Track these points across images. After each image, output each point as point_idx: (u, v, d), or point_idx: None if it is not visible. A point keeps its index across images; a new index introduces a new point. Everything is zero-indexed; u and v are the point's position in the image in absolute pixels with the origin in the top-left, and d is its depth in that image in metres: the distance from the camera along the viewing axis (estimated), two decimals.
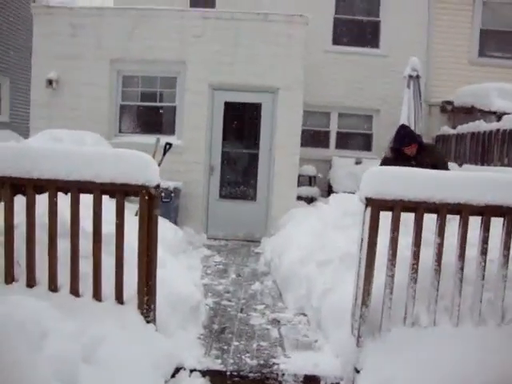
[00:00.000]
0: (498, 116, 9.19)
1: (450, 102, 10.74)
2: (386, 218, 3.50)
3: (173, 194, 7.53)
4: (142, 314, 3.53)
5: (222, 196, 8.33)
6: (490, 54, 11.49)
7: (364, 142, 11.57)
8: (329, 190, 10.94)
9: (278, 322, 4.66)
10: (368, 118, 11.48)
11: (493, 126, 8.81)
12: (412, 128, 7.81)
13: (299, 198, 9.61)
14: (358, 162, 11.08)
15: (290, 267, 5.15)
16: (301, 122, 8.02)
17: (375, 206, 3.44)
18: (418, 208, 3.47)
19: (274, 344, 4.13)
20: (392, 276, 3.50)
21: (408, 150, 5.71)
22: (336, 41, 11.28)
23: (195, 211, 8.12)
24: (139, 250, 3.47)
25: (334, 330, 3.95)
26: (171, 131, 8.25)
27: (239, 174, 8.48)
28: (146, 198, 3.40)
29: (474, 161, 9.17)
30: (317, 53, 10.79)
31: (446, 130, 10.47)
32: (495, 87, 9.38)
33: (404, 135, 5.84)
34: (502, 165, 8.41)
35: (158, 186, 3.47)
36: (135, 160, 3.41)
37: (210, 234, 8.20)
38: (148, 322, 3.53)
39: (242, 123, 8.43)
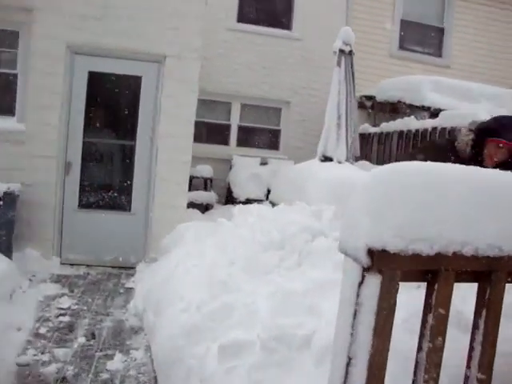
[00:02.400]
0: (432, 112, 7.55)
1: (370, 97, 8.99)
2: None
3: (1, 202, 4.89)
4: None
5: (82, 205, 5.64)
6: (411, 47, 9.94)
7: (271, 140, 9.50)
8: (228, 196, 8.76)
9: None
10: (276, 112, 9.42)
11: (427, 123, 7.07)
12: (343, 120, 5.80)
13: (192, 204, 7.36)
14: (263, 163, 9.01)
15: (172, 344, 2.83)
16: (195, 104, 5.68)
17: (395, 270, 1.25)
18: (495, 272, 1.34)
19: None
20: None
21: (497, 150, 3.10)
22: (242, 18, 9.05)
23: (43, 226, 5.46)
24: None
25: None
26: (9, 110, 5.54)
27: (107, 174, 5.88)
28: None
29: None
30: (218, 31, 8.55)
31: (366, 128, 8.65)
32: (429, 80, 7.70)
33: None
34: None
35: None
36: None
37: (65, 259, 5.58)
38: None
39: (113, 103, 5.79)
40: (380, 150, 8.19)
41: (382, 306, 1.24)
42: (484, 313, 1.38)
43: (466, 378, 1.46)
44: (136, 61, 5.57)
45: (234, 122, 9.18)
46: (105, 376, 3.13)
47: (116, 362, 3.28)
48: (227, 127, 9.18)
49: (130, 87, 5.72)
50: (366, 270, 1.26)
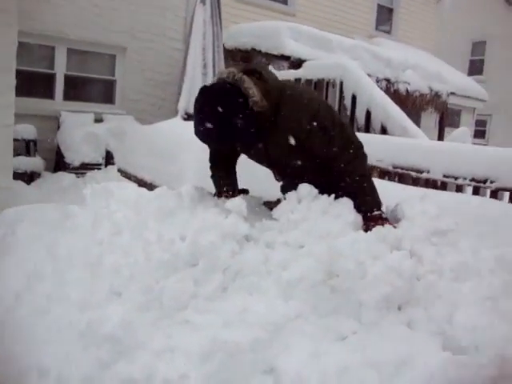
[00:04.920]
0: (293, 62, 6.79)
1: None
2: None
3: None
4: None
5: None
6: None
7: (105, 92, 7.96)
8: (58, 160, 7.15)
9: None
10: (110, 59, 7.86)
11: (290, 74, 6.31)
12: (209, 69, 4.66)
13: (13, 174, 5.73)
14: (98, 120, 7.51)
15: None
16: (16, 44, 4.05)
17: None
18: None
19: None
20: None
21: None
22: None
23: None
24: None
25: None
26: None
27: None
28: None
29: None
30: None
31: None
32: (287, 27, 6.89)
33: (204, 110, 2.16)
34: None
35: None
36: None
37: None
38: None
39: None
40: None
41: None
42: None
43: None
44: None
45: (60, 70, 7.41)
46: None
47: None
48: (51, 77, 7.39)
49: None
50: None
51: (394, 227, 2.30)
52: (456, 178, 3.94)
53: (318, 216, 2.21)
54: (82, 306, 2.00)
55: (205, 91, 2.17)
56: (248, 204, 2.31)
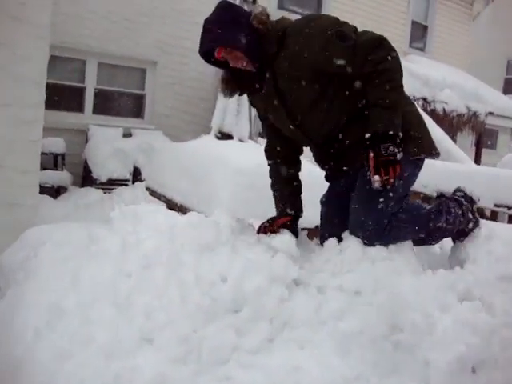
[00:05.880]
0: None
1: None
2: None
3: None
4: None
5: None
6: (289, 7, 8.87)
7: (134, 106, 7.84)
8: (85, 175, 7.02)
9: None
10: (140, 73, 7.76)
11: None
12: None
13: (39, 188, 5.58)
14: (126, 134, 7.37)
15: None
16: (47, 58, 3.89)
17: None
18: None
19: None
20: None
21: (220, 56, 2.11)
22: None
23: None
24: None
25: None
26: None
27: None
28: None
29: None
30: None
31: None
32: None
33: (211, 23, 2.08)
34: None
35: None
36: None
37: None
38: None
39: None
40: None
41: None
42: None
43: None
44: None
45: (90, 84, 7.32)
46: None
47: None
48: (81, 90, 7.29)
49: None
50: None
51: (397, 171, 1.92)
52: (510, 208, 3.62)
53: (373, 258, 1.95)
54: (109, 352, 1.77)
55: (217, 5, 2.20)
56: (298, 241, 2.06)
